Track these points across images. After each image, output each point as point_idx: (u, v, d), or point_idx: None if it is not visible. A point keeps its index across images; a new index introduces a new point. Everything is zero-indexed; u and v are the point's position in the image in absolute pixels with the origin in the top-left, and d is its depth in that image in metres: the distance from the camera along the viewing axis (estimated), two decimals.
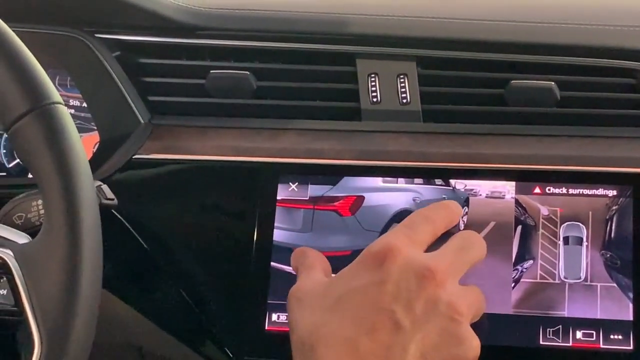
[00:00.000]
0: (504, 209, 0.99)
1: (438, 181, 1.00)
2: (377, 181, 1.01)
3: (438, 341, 0.70)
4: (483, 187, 1.00)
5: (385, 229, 0.99)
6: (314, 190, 1.02)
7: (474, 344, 0.71)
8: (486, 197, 0.99)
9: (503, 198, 0.99)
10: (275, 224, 1.01)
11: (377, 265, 0.72)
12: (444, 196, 1.00)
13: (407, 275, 0.71)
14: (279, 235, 1.01)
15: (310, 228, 1.00)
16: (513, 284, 0.97)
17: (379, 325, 0.69)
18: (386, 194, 1.00)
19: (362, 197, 1.01)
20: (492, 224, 0.98)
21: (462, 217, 0.99)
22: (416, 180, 1.00)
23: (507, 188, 0.99)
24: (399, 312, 0.70)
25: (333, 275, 0.77)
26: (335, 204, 1.01)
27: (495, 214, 0.99)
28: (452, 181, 1.00)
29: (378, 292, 0.71)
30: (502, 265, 0.97)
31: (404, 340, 0.69)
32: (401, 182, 1.00)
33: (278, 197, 1.02)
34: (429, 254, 0.74)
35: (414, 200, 1.00)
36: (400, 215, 0.98)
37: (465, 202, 0.99)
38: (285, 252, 0.98)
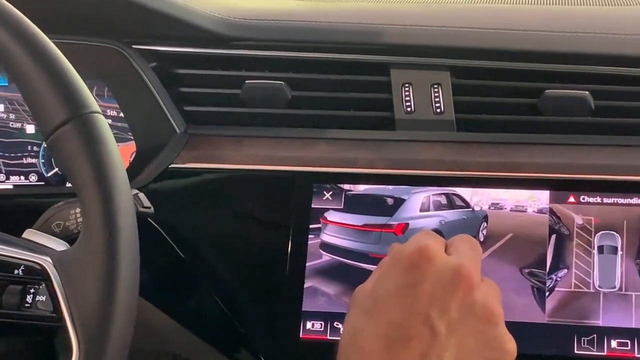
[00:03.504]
0: (525, 222, 1.00)
1: (460, 203, 1.02)
2: (416, 210, 1.03)
3: (474, 345, 0.69)
4: (508, 201, 1.01)
5: None
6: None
7: (511, 346, 0.70)
8: (510, 210, 1.01)
9: (525, 212, 1.00)
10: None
11: (412, 268, 0.71)
12: (464, 217, 1.02)
13: (442, 277, 0.70)
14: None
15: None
16: (548, 293, 0.97)
17: (414, 331, 0.68)
18: (422, 220, 1.02)
19: (408, 223, 1.02)
20: (509, 235, 1.00)
21: (482, 231, 1.01)
22: (442, 209, 1.02)
23: (529, 202, 1.00)
24: (435, 317, 0.69)
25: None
26: (393, 227, 1.02)
27: (516, 226, 1.00)
28: (472, 204, 1.02)
29: (413, 295, 0.70)
30: (537, 274, 0.98)
31: (439, 347, 0.68)
32: (431, 210, 1.02)
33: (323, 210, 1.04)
34: (455, 256, 0.73)
35: (440, 222, 1.02)
36: None
37: (484, 219, 1.01)
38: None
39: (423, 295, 0.69)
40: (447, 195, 1.02)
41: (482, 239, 1.00)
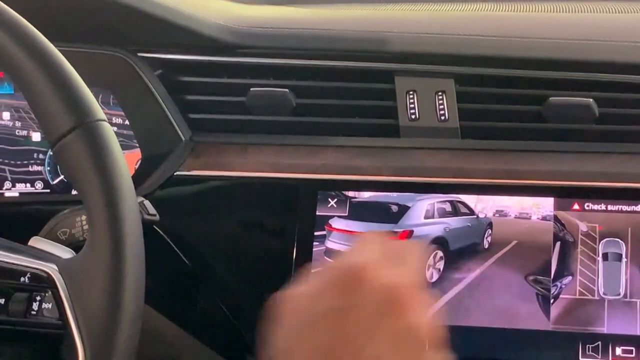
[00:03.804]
0: (529, 229, 1.00)
1: (464, 211, 1.03)
2: (420, 218, 1.03)
3: None
4: (512, 208, 1.01)
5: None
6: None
7: None
8: (515, 217, 1.01)
9: (529, 219, 1.01)
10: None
11: (345, 287, 0.67)
12: (468, 224, 1.02)
13: (374, 301, 0.66)
14: None
15: None
16: (552, 300, 0.98)
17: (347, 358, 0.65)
18: (426, 227, 1.03)
19: (412, 230, 1.03)
20: (513, 242, 1.00)
21: (486, 238, 1.02)
22: (446, 216, 1.03)
23: (534, 210, 1.01)
24: (363, 347, 0.65)
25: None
26: (398, 235, 1.03)
27: (521, 234, 1.01)
28: (476, 211, 1.02)
29: (343, 320, 0.66)
30: (541, 281, 0.98)
31: None
32: (436, 217, 1.03)
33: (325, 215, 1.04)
34: (394, 271, 0.69)
35: (444, 229, 1.03)
36: (437, 241, 1.03)
37: (489, 226, 1.02)
38: None
39: (353, 322, 0.66)
40: (451, 202, 1.03)
41: (486, 246, 1.01)
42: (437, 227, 1.02)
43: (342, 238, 1.03)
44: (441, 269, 1.01)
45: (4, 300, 0.82)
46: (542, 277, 0.98)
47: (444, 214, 1.02)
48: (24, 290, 0.82)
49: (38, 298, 0.81)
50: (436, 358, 0.68)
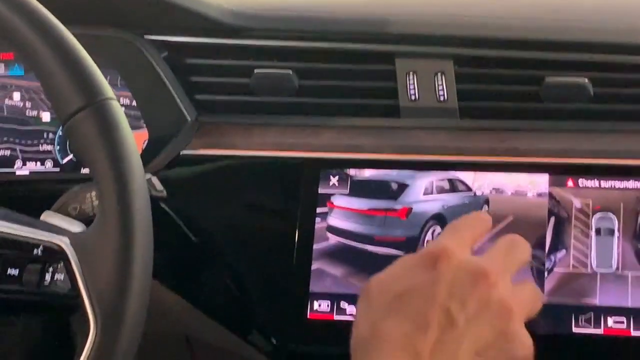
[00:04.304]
0: (525, 205, 1.02)
1: (462, 188, 1.05)
2: (419, 195, 1.05)
3: (490, 338, 0.70)
4: (508, 185, 1.03)
5: (424, 226, 1.04)
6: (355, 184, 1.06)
7: (526, 342, 0.72)
8: (511, 194, 1.03)
9: (526, 195, 1.03)
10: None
11: (432, 266, 0.72)
12: (465, 201, 1.04)
13: (461, 275, 0.71)
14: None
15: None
16: (546, 273, 1.00)
17: (434, 322, 0.69)
18: (425, 203, 1.05)
19: (412, 207, 1.05)
20: (509, 218, 1.02)
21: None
22: (444, 192, 1.05)
23: (529, 187, 1.03)
24: (453, 309, 0.70)
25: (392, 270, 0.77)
26: (398, 211, 1.05)
27: (517, 210, 1.02)
28: (473, 188, 1.04)
29: (433, 290, 0.71)
30: (536, 255, 1.00)
31: (458, 336, 0.69)
32: (434, 193, 1.05)
33: (326, 193, 1.07)
34: (479, 257, 0.75)
35: (442, 206, 1.05)
36: (435, 217, 1.05)
37: (486, 202, 1.04)
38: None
39: (442, 290, 0.70)
40: (449, 180, 1.05)
41: None
42: (435, 204, 1.04)
43: (344, 215, 1.06)
44: None
45: (17, 271, 0.84)
46: (537, 251, 1.00)
47: (442, 190, 1.04)
48: (37, 262, 0.84)
49: (51, 269, 0.83)
50: (521, 330, 0.72)
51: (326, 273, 1.04)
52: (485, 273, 0.71)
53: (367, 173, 1.07)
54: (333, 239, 1.05)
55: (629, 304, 0.98)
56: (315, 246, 1.05)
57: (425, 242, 1.03)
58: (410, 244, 1.03)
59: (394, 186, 1.06)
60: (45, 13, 0.83)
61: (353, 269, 1.04)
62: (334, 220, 1.06)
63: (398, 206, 1.05)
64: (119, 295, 0.79)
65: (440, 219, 1.04)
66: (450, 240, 0.75)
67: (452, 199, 1.04)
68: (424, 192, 1.05)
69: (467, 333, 0.69)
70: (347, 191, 1.06)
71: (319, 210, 1.06)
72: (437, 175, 1.05)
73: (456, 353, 0.68)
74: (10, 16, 0.81)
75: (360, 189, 1.06)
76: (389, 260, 0.75)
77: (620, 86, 1.08)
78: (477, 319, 0.70)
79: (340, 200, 1.06)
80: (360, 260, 1.04)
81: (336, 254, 1.05)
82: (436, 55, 1.11)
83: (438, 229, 1.04)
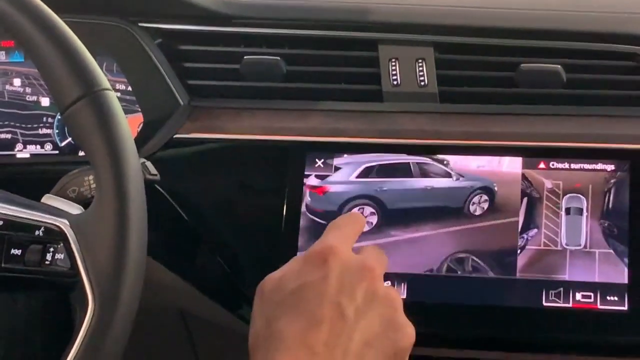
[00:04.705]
0: (500, 185, 1.06)
1: (437, 170, 1.08)
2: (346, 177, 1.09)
3: (379, 328, 0.73)
4: (484, 168, 1.07)
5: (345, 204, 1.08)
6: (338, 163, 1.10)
7: (410, 330, 0.75)
8: (487, 176, 1.06)
9: (500, 177, 1.06)
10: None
11: (321, 263, 0.75)
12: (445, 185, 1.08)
13: (349, 270, 0.75)
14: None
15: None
16: (519, 251, 1.03)
17: (326, 316, 0.72)
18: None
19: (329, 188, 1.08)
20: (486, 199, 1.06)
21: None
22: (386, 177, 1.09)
23: (503, 169, 1.06)
24: (344, 303, 0.72)
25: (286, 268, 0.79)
26: (317, 189, 1.09)
27: (492, 190, 1.06)
28: (451, 171, 1.07)
29: (324, 286, 0.73)
30: (510, 233, 1.04)
31: (349, 328, 0.72)
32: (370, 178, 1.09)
33: (306, 173, 1.09)
34: (360, 254, 0.79)
35: (375, 189, 1.08)
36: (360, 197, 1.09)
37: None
38: None
39: (332, 285, 0.73)
40: (428, 164, 1.08)
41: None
42: (359, 187, 1.09)
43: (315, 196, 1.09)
44: None
45: (20, 251, 0.85)
46: (510, 229, 1.04)
47: (384, 175, 1.09)
48: (38, 243, 0.85)
49: (51, 249, 0.85)
50: (405, 319, 0.75)
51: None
52: (371, 267, 0.75)
53: (340, 159, 1.10)
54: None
55: (596, 279, 1.01)
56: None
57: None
58: (329, 216, 1.05)
59: (334, 168, 1.10)
60: (41, 5, 0.85)
61: None
62: (307, 200, 1.09)
63: (321, 185, 1.09)
64: (115, 273, 0.81)
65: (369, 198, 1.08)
66: (335, 239, 0.78)
67: (391, 184, 1.08)
68: (356, 176, 1.08)
69: (357, 325, 0.72)
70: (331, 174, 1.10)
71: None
72: (415, 159, 1.08)
73: (348, 345, 0.71)
74: (11, 11, 0.83)
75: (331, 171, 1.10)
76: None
77: (591, 72, 1.11)
78: (366, 311, 0.73)
79: (313, 181, 1.10)
80: None
81: (310, 230, 1.09)
82: (417, 42, 1.13)
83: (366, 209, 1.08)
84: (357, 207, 1.08)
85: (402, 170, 1.08)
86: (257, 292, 0.77)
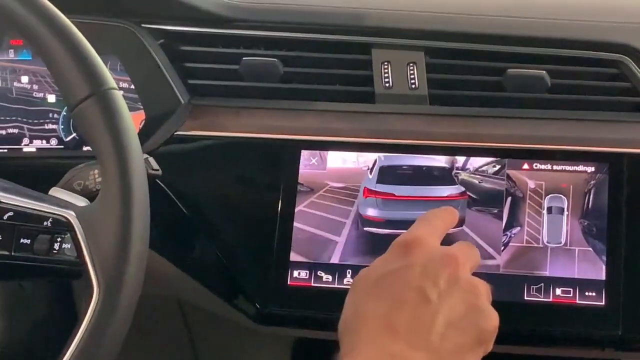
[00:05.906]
0: (485, 185, 1.09)
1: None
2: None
3: (462, 311, 0.75)
4: (470, 168, 1.10)
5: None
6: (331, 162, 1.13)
7: (493, 315, 0.77)
8: (472, 176, 1.10)
9: (485, 177, 1.09)
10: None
11: (406, 253, 0.78)
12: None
13: (433, 258, 0.77)
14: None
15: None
16: (502, 247, 1.06)
17: (410, 300, 0.74)
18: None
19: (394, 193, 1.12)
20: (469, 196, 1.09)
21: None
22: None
23: (489, 169, 1.09)
24: (427, 287, 0.75)
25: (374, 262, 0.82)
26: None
27: (478, 189, 1.09)
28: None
29: (408, 273, 0.76)
30: (494, 231, 1.07)
31: (432, 310, 0.73)
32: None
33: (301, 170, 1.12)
34: (446, 246, 0.82)
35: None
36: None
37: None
38: None
39: (416, 272, 0.76)
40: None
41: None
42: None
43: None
44: None
45: (29, 241, 0.89)
46: (494, 226, 1.07)
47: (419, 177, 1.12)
48: (47, 233, 0.88)
49: (59, 239, 0.88)
50: (489, 305, 0.78)
51: (306, 246, 1.11)
52: (455, 256, 0.78)
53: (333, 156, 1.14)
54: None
55: (575, 275, 1.04)
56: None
57: None
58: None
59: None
60: (50, 6, 0.88)
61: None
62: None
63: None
64: (119, 262, 0.84)
65: None
66: (422, 230, 0.82)
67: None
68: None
69: (440, 307, 0.75)
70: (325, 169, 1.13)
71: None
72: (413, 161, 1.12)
73: (431, 326, 0.74)
74: (23, 13, 0.86)
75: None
76: None
77: (575, 78, 1.13)
78: (449, 295, 0.76)
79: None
80: None
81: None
82: (409, 47, 1.16)
83: None
84: None
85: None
86: (351, 286, 0.80)
